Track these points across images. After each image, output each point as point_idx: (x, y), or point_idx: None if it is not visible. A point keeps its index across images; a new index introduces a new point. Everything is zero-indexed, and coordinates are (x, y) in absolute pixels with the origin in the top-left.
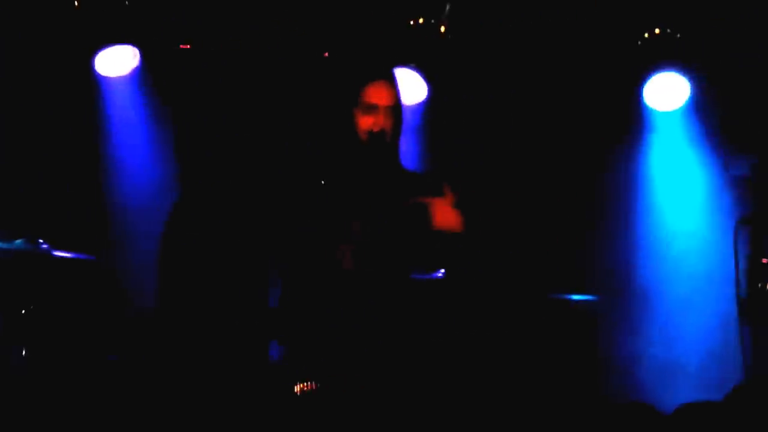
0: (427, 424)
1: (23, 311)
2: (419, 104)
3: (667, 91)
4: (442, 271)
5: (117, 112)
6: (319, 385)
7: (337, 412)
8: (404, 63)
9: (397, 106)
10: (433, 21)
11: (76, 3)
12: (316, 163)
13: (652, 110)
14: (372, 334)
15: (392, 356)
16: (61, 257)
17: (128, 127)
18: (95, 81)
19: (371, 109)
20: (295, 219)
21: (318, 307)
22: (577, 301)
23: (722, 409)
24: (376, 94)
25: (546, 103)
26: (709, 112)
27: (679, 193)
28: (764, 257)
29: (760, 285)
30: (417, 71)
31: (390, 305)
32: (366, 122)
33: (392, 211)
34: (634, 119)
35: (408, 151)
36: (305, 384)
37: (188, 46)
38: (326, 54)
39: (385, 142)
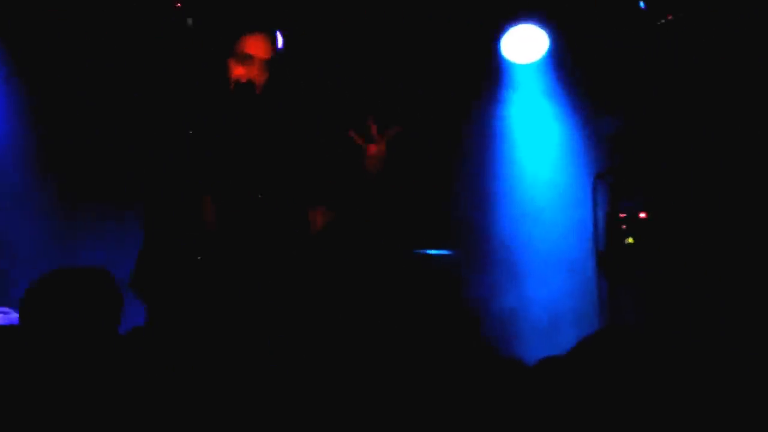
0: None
1: None
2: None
3: (525, 44)
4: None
5: None
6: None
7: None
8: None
9: (274, 60)
10: None
11: None
12: (185, 113)
13: (510, 63)
14: (235, 292)
15: (254, 314)
16: None
17: None
18: None
19: (246, 59)
20: (161, 167)
21: (179, 262)
22: (437, 256)
23: (574, 360)
24: (253, 46)
25: (404, 54)
26: (569, 66)
27: (539, 148)
28: (621, 212)
29: (617, 239)
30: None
31: (252, 261)
32: (238, 72)
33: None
34: (491, 72)
35: None
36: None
37: None
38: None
39: (254, 93)
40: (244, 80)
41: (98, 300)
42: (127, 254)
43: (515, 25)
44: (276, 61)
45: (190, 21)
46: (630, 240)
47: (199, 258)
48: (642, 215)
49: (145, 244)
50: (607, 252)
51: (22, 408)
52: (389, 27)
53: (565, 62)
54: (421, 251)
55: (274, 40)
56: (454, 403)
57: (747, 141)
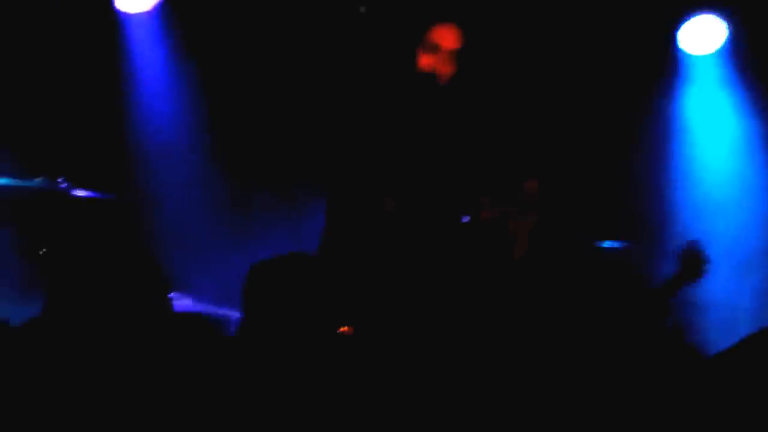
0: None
1: (43, 251)
2: None
3: (703, 35)
4: None
5: (139, 49)
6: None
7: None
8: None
9: (462, 51)
10: None
11: None
12: (368, 106)
13: (688, 55)
14: (414, 279)
15: (433, 300)
16: (81, 196)
17: (150, 64)
18: (116, 17)
19: (434, 49)
20: (345, 162)
21: (361, 250)
22: (612, 249)
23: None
24: (443, 36)
25: (580, 50)
26: (748, 56)
27: (717, 140)
28: None
29: None
30: None
31: (431, 249)
32: (426, 62)
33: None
34: (669, 65)
35: None
36: (345, 327)
37: None
38: None
39: (439, 84)
40: (428, 70)
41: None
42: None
43: (693, 15)
44: (463, 53)
45: (362, 9)
46: None
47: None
48: None
49: (326, 239)
50: None
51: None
52: (568, 20)
53: (743, 52)
54: (599, 244)
55: (462, 32)
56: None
57: None
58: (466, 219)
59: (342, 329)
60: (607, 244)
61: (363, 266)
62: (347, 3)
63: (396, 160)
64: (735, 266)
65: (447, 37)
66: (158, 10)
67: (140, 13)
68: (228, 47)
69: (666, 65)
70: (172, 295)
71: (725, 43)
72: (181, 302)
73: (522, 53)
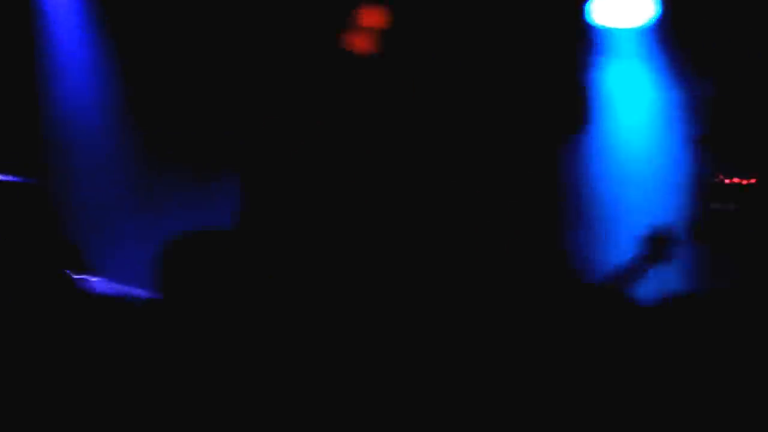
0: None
1: None
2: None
3: (624, 9)
4: None
5: (57, 26)
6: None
7: None
8: None
9: (388, 31)
10: None
11: None
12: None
13: (607, 29)
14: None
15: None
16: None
17: (70, 43)
18: None
19: (360, 29)
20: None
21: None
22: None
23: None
24: (368, 17)
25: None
26: (668, 31)
27: (636, 112)
28: (718, 176)
29: (713, 204)
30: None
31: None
32: (352, 42)
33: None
34: (587, 38)
35: None
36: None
37: None
38: None
39: (364, 63)
40: (354, 50)
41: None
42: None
43: None
44: (389, 33)
45: None
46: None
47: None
48: (742, 181)
49: (243, 216)
50: (700, 217)
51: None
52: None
53: (663, 26)
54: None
55: (388, 12)
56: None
57: None
58: None
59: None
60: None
61: (282, 241)
62: None
63: (318, 140)
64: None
65: (372, 17)
66: None
67: None
68: (145, 26)
69: (583, 39)
70: (88, 276)
71: (650, 18)
72: (98, 283)
73: (440, 34)
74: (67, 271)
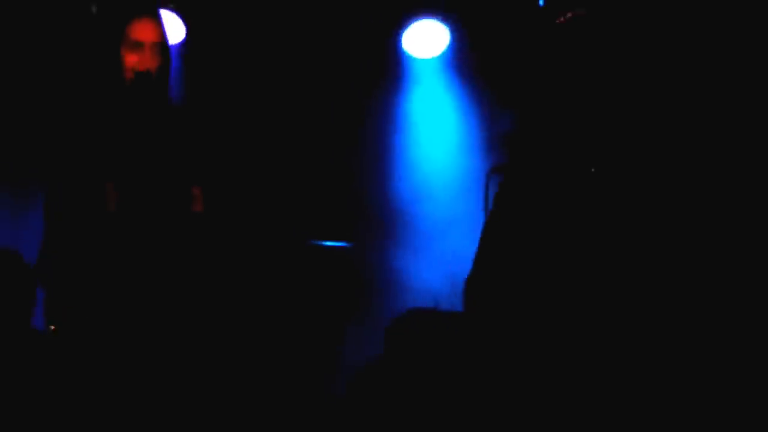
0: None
1: None
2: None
3: (426, 39)
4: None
5: None
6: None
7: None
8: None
9: (164, 43)
10: None
11: None
12: (83, 103)
13: (411, 57)
14: (137, 276)
15: (158, 300)
16: None
17: None
18: None
19: (137, 46)
20: (62, 155)
21: (83, 250)
22: (334, 248)
23: None
24: (141, 31)
25: (306, 47)
26: (469, 62)
27: (436, 141)
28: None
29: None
30: (176, 12)
31: (155, 246)
32: (131, 60)
33: (157, 152)
34: (392, 66)
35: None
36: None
37: None
38: None
39: (151, 80)
40: (142, 68)
41: (10, 282)
42: (25, 241)
43: (416, 20)
44: (166, 45)
45: (94, 8)
46: None
47: (100, 244)
48: None
49: (48, 233)
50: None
51: None
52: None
53: (465, 58)
54: (317, 242)
55: (161, 23)
56: None
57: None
58: None
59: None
60: (328, 243)
61: (85, 268)
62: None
63: (117, 156)
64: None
65: (146, 31)
66: None
67: None
68: None
69: (390, 67)
70: None
71: (447, 47)
72: None
73: (249, 47)
74: None
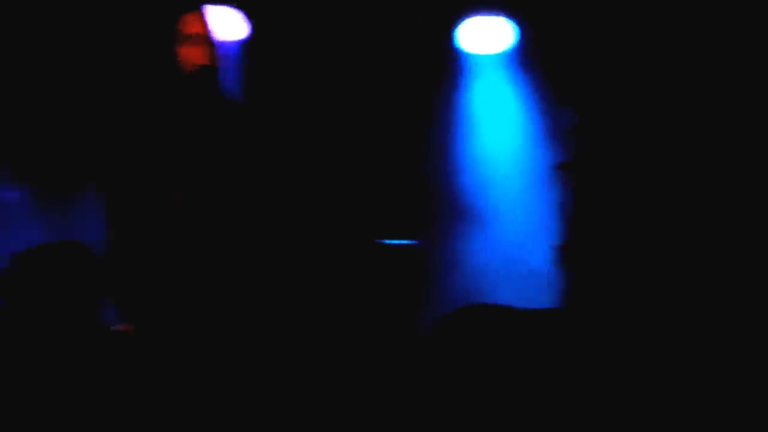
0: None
1: None
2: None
3: (486, 35)
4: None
5: None
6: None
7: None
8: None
9: (208, 36)
10: None
11: None
12: (140, 98)
13: (472, 54)
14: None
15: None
16: None
17: None
18: None
19: (189, 40)
20: (125, 158)
21: (153, 247)
22: (400, 246)
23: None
24: (193, 25)
25: (368, 44)
26: (532, 58)
27: (499, 138)
28: (581, 204)
29: (577, 232)
30: (239, 9)
31: (221, 241)
32: (184, 54)
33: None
34: (455, 63)
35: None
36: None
37: None
38: None
39: (207, 73)
40: (194, 62)
41: (82, 274)
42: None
43: (476, 15)
44: (218, 38)
45: None
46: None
47: (168, 240)
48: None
49: (113, 231)
50: (568, 244)
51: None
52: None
53: (527, 53)
54: (383, 241)
55: (208, 15)
56: None
57: (704, 136)
58: None
59: (122, 327)
60: (393, 241)
61: (153, 263)
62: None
63: (176, 158)
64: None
65: (195, 23)
66: None
67: None
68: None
69: (452, 64)
70: None
71: (509, 42)
72: None
73: (301, 46)
74: None
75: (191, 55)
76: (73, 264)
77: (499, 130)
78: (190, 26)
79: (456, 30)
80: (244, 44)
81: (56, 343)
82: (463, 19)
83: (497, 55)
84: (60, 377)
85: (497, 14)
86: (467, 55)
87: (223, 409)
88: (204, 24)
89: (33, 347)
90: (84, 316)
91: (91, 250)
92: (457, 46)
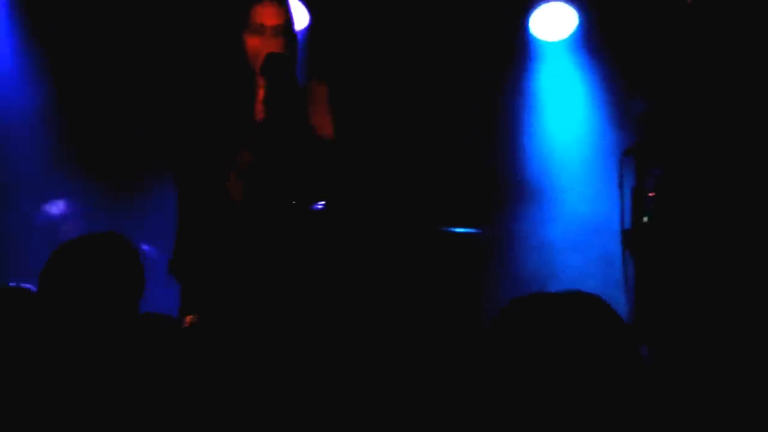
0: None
1: None
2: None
3: (554, 21)
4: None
5: None
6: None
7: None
8: None
9: (287, 27)
10: None
11: None
12: (206, 91)
13: (539, 41)
14: (264, 267)
15: (284, 289)
16: None
17: None
18: None
19: (259, 30)
20: (188, 143)
21: (212, 239)
22: (464, 234)
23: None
24: (264, 15)
25: (434, 31)
26: (598, 45)
27: (567, 124)
28: (648, 189)
29: (643, 218)
30: None
31: (280, 237)
32: (253, 44)
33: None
34: (520, 50)
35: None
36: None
37: None
38: None
39: (277, 64)
40: (263, 53)
41: (119, 264)
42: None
43: (544, 2)
44: (291, 29)
45: None
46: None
47: (228, 235)
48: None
49: (181, 225)
50: (632, 230)
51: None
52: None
53: (594, 40)
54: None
55: (287, 7)
56: None
57: None
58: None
59: (188, 318)
60: (459, 229)
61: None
62: None
63: (238, 144)
64: (582, 249)
65: (269, 15)
66: None
67: None
68: (76, 34)
69: (520, 50)
70: None
71: (576, 29)
72: None
73: (371, 35)
74: None
75: (257, 45)
76: (112, 255)
77: (568, 116)
78: (259, 16)
79: (528, 16)
80: (306, 34)
81: (94, 333)
82: (535, 6)
83: (567, 41)
84: (95, 369)
85: (567, 1)
86: (537, 41)
87: (292, 395)
88: (275, 14)
89: (72, 338)
90: (122, 307)
91: (132, 243)
92: (528, 32)
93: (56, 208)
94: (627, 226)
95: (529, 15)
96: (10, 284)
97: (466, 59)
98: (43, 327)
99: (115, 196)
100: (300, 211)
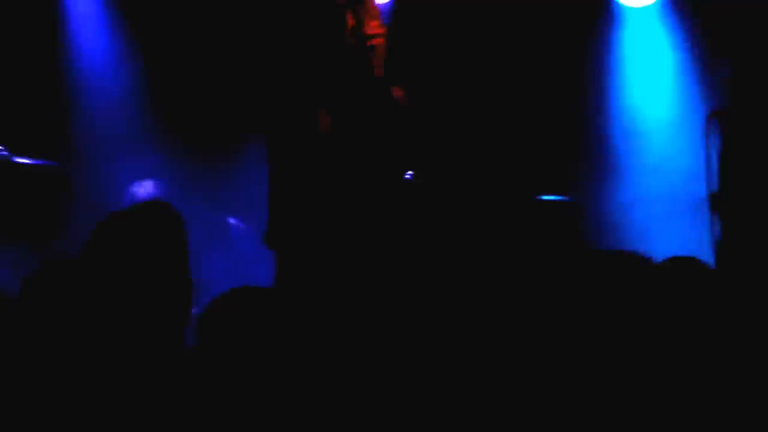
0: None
1: None
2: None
3: None
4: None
5: (79, 10)
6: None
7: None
8: None
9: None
10: None
11: None
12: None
13: (623, 6)
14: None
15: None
16: (23, 163)
17: (91, 27)
18: None
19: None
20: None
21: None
22: (555, 201)
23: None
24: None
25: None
26: (683, 8)
27: (653, 87)
28: (735, 151)
29: (730, 179)
30: None
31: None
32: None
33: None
34: (605, 14)
35: None
36: None
37: None
38: None
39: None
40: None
41: (158, 232)
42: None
43: None
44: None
45: None
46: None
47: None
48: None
49: (273, 197)
50: (721, 193)
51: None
52: None
53: (682, 4)
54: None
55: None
56: None
57: None
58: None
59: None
60: (548, 197)
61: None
62: None
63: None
64: (669, 213)
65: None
66: None
67: None
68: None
69: (602, 16)
70: None
71: None
72: None
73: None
74: None
75: (364, 26)
76: (152, 224)
77: (653, 81)
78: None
79: None
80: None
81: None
82: None
83: (652, 6)
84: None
85: None
86: (622, 6)
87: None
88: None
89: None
90: (164, 275)
91: (174, 210)
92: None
93: (143, 189)
94: (713, 189)
95: None
96: None
97: (551, 30)
98: (84, 298)
99: (208, 170)
100: (394, 183)
